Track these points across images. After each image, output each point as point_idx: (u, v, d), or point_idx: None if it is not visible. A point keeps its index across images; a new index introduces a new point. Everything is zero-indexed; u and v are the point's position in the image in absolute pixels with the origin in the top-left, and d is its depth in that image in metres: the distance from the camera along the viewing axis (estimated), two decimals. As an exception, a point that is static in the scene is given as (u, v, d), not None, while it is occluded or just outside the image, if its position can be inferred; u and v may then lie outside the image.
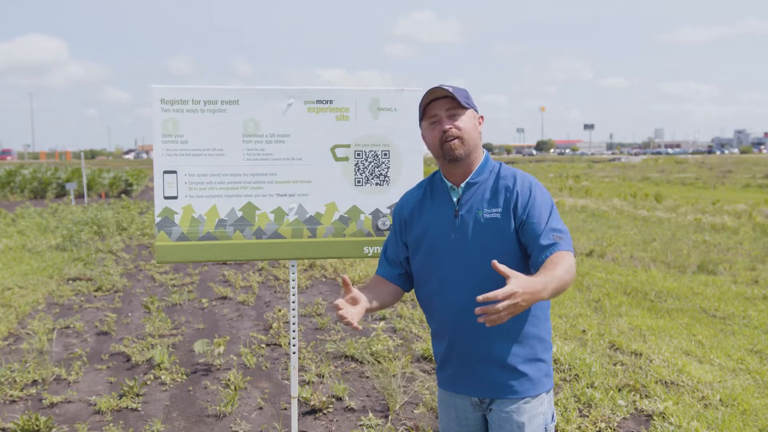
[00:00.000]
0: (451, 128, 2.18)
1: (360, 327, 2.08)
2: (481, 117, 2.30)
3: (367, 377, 5.09)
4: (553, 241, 2.10)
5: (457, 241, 2.18)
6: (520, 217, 2.15)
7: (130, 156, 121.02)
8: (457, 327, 2.20)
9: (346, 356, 5.56)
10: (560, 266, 2.02)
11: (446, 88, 2.18)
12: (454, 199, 2.25)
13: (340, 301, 2.06)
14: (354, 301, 2.13)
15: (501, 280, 2.10)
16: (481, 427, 2.30)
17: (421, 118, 2.28)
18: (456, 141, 2.18)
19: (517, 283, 1.81)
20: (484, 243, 2.16)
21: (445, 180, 2.29)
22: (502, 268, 1.85)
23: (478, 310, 1.79)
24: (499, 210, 2.17)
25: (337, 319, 6.74)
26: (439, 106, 2.21)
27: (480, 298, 1.78)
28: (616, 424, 4.11)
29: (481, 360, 2.20)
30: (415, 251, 2.30)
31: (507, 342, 2.18)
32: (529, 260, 2.16)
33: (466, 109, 2.22)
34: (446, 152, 2.19)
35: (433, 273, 2.23)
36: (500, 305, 1.78)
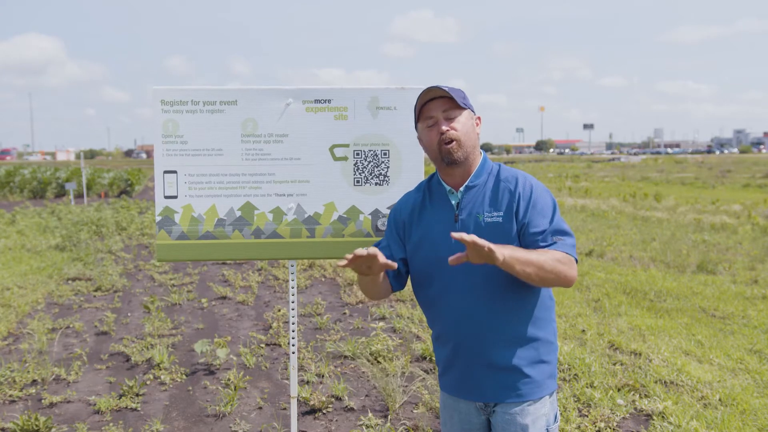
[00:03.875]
0: (448, 130, 2.13)
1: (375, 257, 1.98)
2: (479, 118, 2.26)
3: (367, 377, 5.09)
4: (552, 242, 2.09)
5: (458, 245, 2.12)
6: (522, 221, 2.11)
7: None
8: (461, 331, 2.17)
9: (346, 356, 5.56)
10: (543, 254, 2.02)
11: (443, 88, 2.13)
12: (454, 203, 2.20)
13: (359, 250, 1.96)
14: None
15: (503, 283, 2.12)
16: (485, 430, 2.28)
17: (417, 120, 2.23)
18: (454, 144, 2.13)
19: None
20: None
21: (443, 183, 2.24)
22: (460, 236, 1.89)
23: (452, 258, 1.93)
24: (501, 213, 2.13)
25: (336, 319, 6.75)
26: (436, 107, 2.16)
27: (455, 235, 1.88)
28: (615, 424, 4.11)
29: (485, 364, 2.16)
30: (414, 255, 2.25)
31: (511, 345, 2.15)
32: None
33: (463, 109, 2.18)
34: (444, 155, 2.15)
35: (434, 277, 2.19)
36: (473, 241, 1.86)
